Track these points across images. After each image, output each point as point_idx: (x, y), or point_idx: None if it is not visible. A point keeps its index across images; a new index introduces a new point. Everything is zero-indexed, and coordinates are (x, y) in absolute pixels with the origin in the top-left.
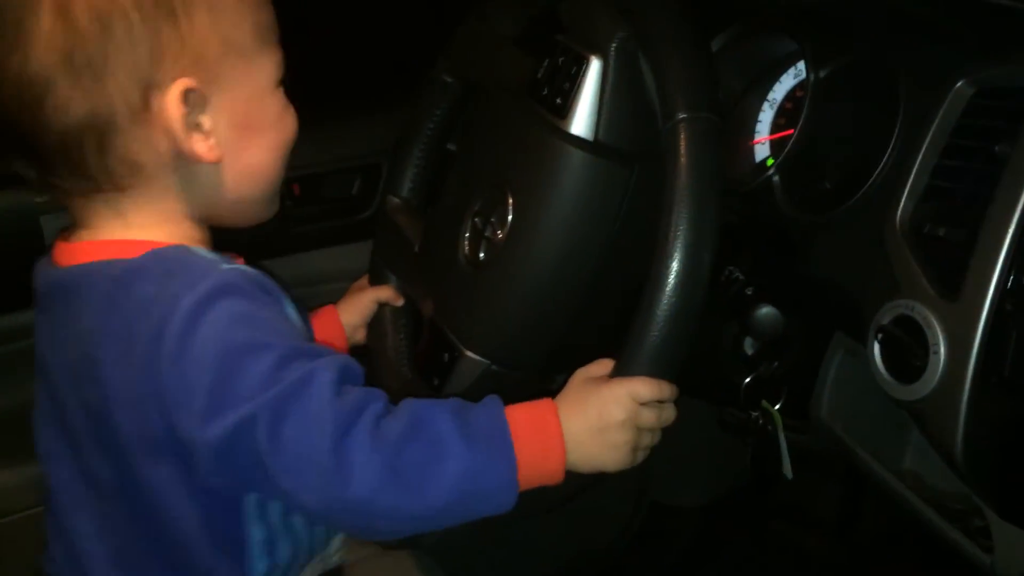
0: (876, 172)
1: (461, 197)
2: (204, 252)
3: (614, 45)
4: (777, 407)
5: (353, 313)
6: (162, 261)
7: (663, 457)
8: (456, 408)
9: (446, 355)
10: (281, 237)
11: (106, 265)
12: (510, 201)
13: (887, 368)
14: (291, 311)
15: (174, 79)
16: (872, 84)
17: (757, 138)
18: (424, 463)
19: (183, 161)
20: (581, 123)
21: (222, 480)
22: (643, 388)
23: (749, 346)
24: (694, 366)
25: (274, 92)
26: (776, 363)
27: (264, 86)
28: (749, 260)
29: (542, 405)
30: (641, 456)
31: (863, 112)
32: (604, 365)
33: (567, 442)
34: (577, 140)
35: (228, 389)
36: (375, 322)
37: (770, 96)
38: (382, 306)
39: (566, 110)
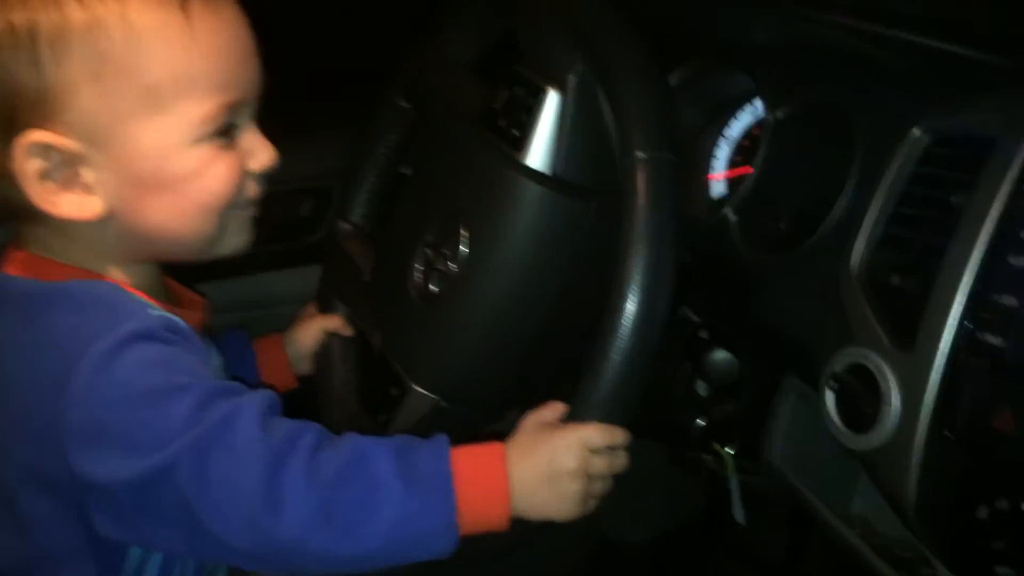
0: (830, 216)
1: (413, 226)
2: (132, 295)
3: (573, 78)
4: (730, 450)
5: (299, 343)
6: (88, 294)
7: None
8: (399, 447)
9: (394, 390)
10: (228, 259)
11: (29, 284)
12: (463, 233)
13: (840, 416)
14: (215, 362)
15: (26, 129)
16: (829, 127)
17: (713, 174)
18: (359, 505)
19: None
20: (538, 156)
21: (129, 527)
22: (596, 435)
23: (702, 388)
24: (646, 407)
25: (187, 149)
26: (729, 406)
27: (169, 143)
28: (703, 301)
29: (490, 450)
30: (591, 505)
31: (820, 154)
32: (556, 409)
33: (515, 489)
34: (534, 174)
35: (146, 433)
36: (322, 353)
37: (726, 132)
38: (330, 336)
39: (523, 143)
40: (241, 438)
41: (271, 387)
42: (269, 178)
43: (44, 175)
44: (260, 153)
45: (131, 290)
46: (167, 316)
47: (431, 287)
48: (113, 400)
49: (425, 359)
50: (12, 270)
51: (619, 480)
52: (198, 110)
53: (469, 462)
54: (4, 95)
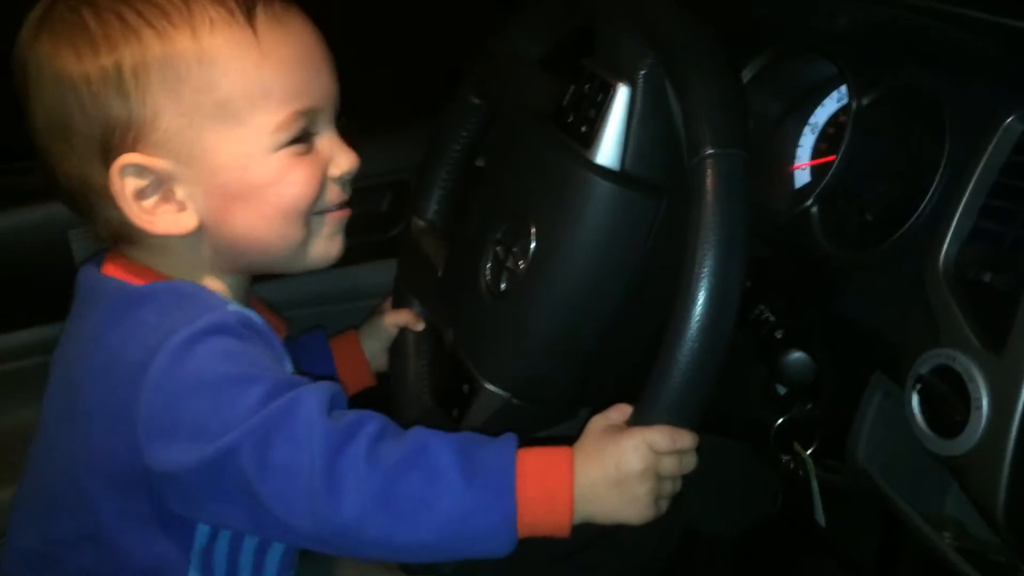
0: (919, 209)
1: (483, 224)
2: (213, 293)
3: (642, 72)
4: (810, 451)
5: (374, 338)
6: (173, 293)
7: (694, 484)
8: (464, 442)
9: (466, 386)
10: None
11: (122, 285)
12: (532, 231)
13: (925, 421)
14: (288, 363)
15: (121, 154)
16: (917, 114)
17: (797, 163)
18: (418, 495)
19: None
20: (607, 153)
21: (196, 507)
22: (661, 438)
23: (781, 387)
24: (722, 405)
25: (265, 157)
26: (809, 405)
27: (248, 153)
28: (781, 298)
29: (558, 453)
30: (663, 506)
31: (908, 143)
32: (622, 411)
33: (581, 494)
34: (602, 170)
35: (215, 418)
36: (396, 348)
37: (812, 120)
38: (404, 331)
39: (591, 139)
40: (303, 424)
41: (349, 385)
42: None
43: (140, 194)
44: (340, 158)
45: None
46: (244, 312)
47: (501, 285)
48: (184, 389)
49: (495, 356)
50: (108, 271)
51: (701, 474)
52: (272, 120)
53: (534, 464)
54: (100, 127)
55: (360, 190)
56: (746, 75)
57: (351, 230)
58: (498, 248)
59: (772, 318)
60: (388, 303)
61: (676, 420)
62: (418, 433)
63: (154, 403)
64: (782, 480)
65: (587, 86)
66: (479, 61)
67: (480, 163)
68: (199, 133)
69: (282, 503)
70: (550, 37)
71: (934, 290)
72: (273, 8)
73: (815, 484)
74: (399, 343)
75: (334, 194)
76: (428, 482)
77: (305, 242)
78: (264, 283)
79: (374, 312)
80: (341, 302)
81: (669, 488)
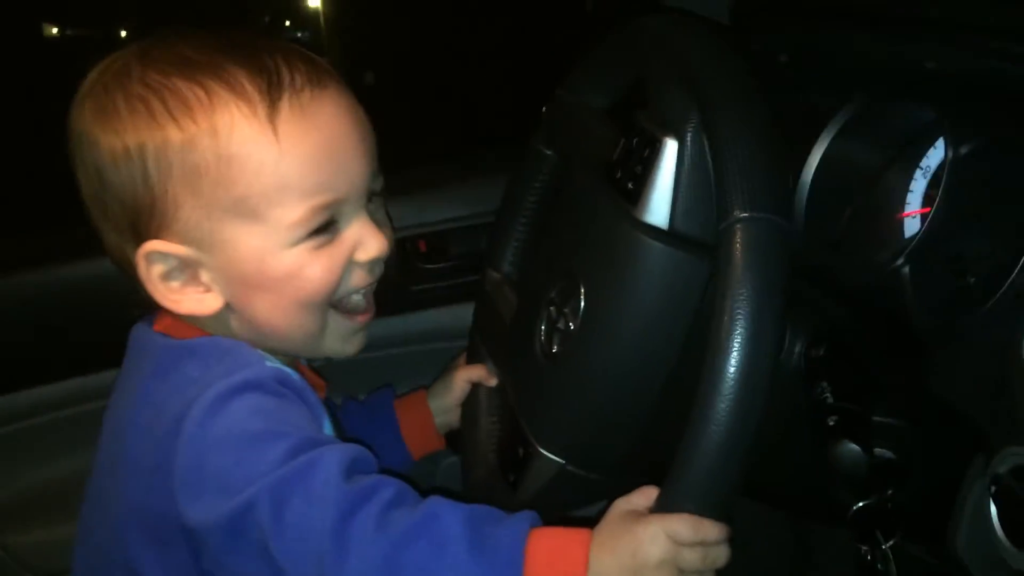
0: (1012, 275)
1: (539, 282)
2: (252, 349)
3: (691, 127)
4: (890, 543)
5: (445, 395)
6: (214, 347)
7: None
8: (478, 515)
9: (521, 450)
10: (405, 294)
11: (168, 341)
12: (582, 291)
13: (1002, 527)
14: (327, 423)
15: (146, 239)
16: (1015, 166)
17: (907, 211)
18: (423, 564)
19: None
20: (654, 211)
21: (223, 564)
22: (683, 527)
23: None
24: (799, 483)
25: (283, 252)
26: (890, 491)
27: (265, 247)
28: (848, 375)
29: (574, 536)
30: None
31: (1009, 200)
32: (647, 494)
33: None
34: (650, 229)
35: (238, 472)
36: (468, 403)
37: (923, 164)
38: (476, 387)
39: (638, 196)
40: (320, 483)
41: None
42: (450, 215)
43: (167, 276)
44: (369, 243)
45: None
46: (281, 368)
47: (554, 347)
48: (213, 443)
49: (548, 421)
50: (158, 327)
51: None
52: (290, 216)
53: (546, 547)
54: (126, 208)
55: (455, 230)
56: (838, 122)
57: (451, 272)
58: (552, 308)
59: (830, 399)
60: (463, 358)
61: (700, 509)
62: (433, 503)
63: (187, 456)
64: (860, 571)
65: (635, 140)
66: (548, 110)
67: (547, 219)
68: (218, 225)
69: (293, 560)
70: (615, 88)
71: (1017, 375)
72: (300, 98)
73: None
74: (471, 398)
75: (359, 279)
76: (434, 553)
77: (322, 333)
78: None
79: (448, 368)
80: (430, 341)
81: None
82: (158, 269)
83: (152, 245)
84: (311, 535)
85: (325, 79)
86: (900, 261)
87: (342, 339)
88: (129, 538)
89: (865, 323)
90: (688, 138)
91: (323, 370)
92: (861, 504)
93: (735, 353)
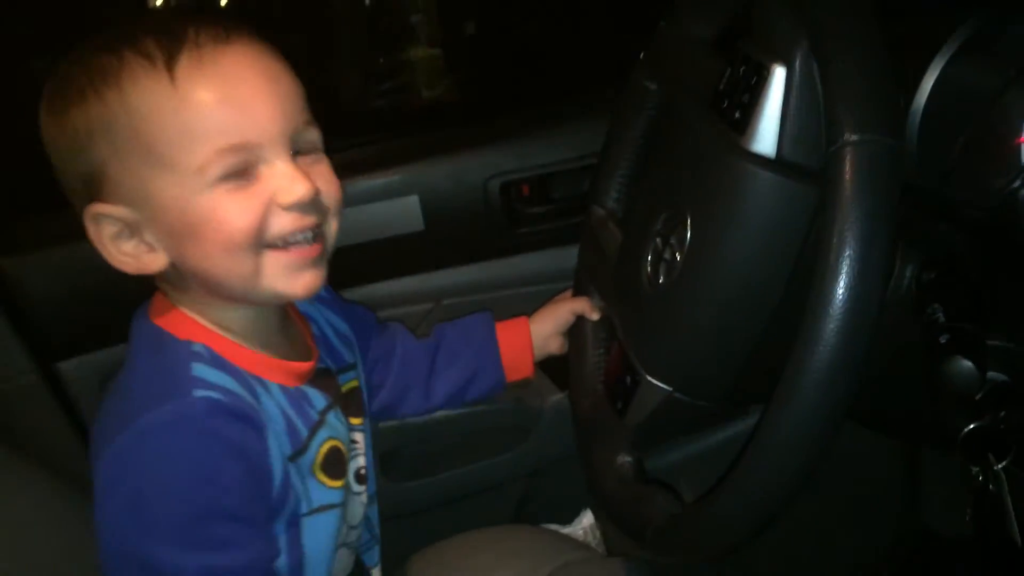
0: None
1: (645, 215)
2: (197, 368)
3: (800, 52)
4: (1003, 463)
5: (548, 323)
6: (153, 359)
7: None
8: None
9: (629, 378)
10: (508, 238)
11: (142, 324)
12: (688, 221)
13: None
14: (319, 405)
15: (90, 202)
16: None
17: None
18: None
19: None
20: (762, 139)
21: None
22: None
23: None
24: (907, 405)
25: (199, 196)
26: (1003, 412)
27: (182, 194)
28: (962, 297)
29: None
30: None
31: None
32: None
33: None
34: (757, 158)
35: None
36: (575, 334)
37: None
38: (581, 319)
39: (745, 125)
40: None
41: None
42: (551, 158)
43: (115, 238)
44: (288, 187)
45: (217, 331)
46: (210, 397)
47: (660, 277)
48: (124, 506)
49: (655, 349)
50: (147, 312)
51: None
52: (196, 160)
53: None
54: (76, 181)
55: (557, 174)
56: (953, 44)
57: (553, 215)
58: (658, 239)
59: (942, 318)
60: (569, 291)
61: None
62: None
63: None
64: (970, 493)
65: (742, 69)
66: (652, 44)
67: (652, 150)
68: (139, 180)
69: None
70: (719, 17)
71: None
72: (201, 51)
73: (1008, 501)
74: (577, 331)
75: (285, 222)
76: None
77: (256, 275)
78: (460, 268)
79: (554, 299)
80: (536, 284)
81: None
82: (108, 231)
83: (94, 208)
84: None
85: (233, 36)
86: (1016, 183)
87: (285, 276)
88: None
89: (979, 247)
90: (797, 63)
91: (433, 314)
92: (973, 426)
93: (844, 275)
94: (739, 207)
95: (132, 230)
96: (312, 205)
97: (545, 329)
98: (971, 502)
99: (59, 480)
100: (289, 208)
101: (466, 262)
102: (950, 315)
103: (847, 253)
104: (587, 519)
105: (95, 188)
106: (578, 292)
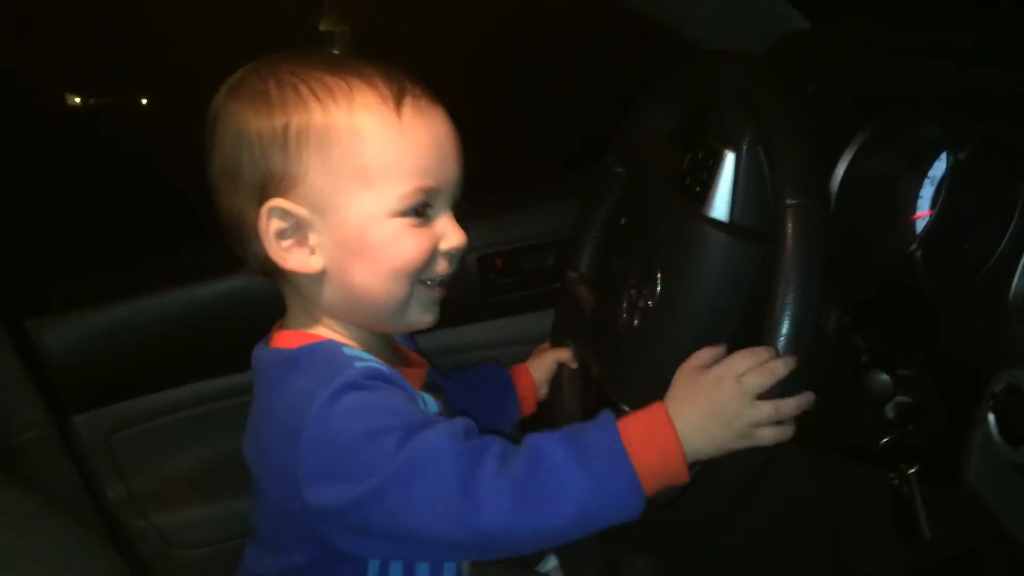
0: (998, 250)
1: (621, 272)
2: (347, 349)
3: (746, 140)
4: (913, 470)
5: (539, 371)
6: (310, 356)
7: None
8: (570, 435)
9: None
10: (484, 305)
11: (278, 353)
12: (659, 275)
13: (998, 432)
14: (430, 400)
15: (272, 198)
16: (1001, 166)
17: (919, 212)
18: (549, 491)
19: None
20: (717, 207)
21: (358, 543)
22: (742, 358)
23: (890, 409)
24: (833, 423)
25: (385, 221)
26: (911, 426)
27: (372, 215)
28: (877, 332)
29: (652, 411)
30: (770, 435)
31: (992, 191)
32: (705, 354)
33: (685, 434)
34: (714, 222)
35: (357, 467)
36: (555, 380)
37: (931, 173)
38: (561, 366)
39: (704, 197)
40: (437, 461)
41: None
42: (523, 234)
43: (280, 234)
44: (451, 235)
45: (349, 343)
46: (370, 365)
47: (635, 321)
48: (331, 443)
49: (631, 382)
50: (271, 344)
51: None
52: (399, 188)
53: (635, 428)
54: (260, 174)
55: (530, 248)
56: (859, 139)
57: (521, 285)
58: (632, 290)
59: (862, 344)
60: (548, 343)
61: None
62: (530, 440)
63: (309, 458)
64: (888, 496)
65: (700, 154)
66: (621, 134)
67: (624, 222)
68: (336, 191)
69: (431, 529)
70: (677, 114)
71: (1006, 318)
72: (419, 102)
73: (919, 501)
74: (557, 376)
75: (441, 266)
76: (555, 479)
77: (406, 303)
78: (438, 331)
79: (537, 350)
80: (506, 346)
81: (767, 412)
82: (276, 225)
83: (276, 201)
84: (443, 504)
85: (435, 99)
86: (913, 247)
87: (424, 308)
88: (275, 523)
89: (887, 296)
90: (744, 149)
91: None
92: (887, 439)
93: (790, 304)
94: (701, 261)
95: (300, 231)
96: (459, 255)
97: (538, 376)
98: (890, 503)
99: (70, 521)
100: (446, 253)
101: (443, 327)
102: (867, 342)
103: (792, 286)
104: (551, 562)
105: (280, 185)
106: (556, 345)
